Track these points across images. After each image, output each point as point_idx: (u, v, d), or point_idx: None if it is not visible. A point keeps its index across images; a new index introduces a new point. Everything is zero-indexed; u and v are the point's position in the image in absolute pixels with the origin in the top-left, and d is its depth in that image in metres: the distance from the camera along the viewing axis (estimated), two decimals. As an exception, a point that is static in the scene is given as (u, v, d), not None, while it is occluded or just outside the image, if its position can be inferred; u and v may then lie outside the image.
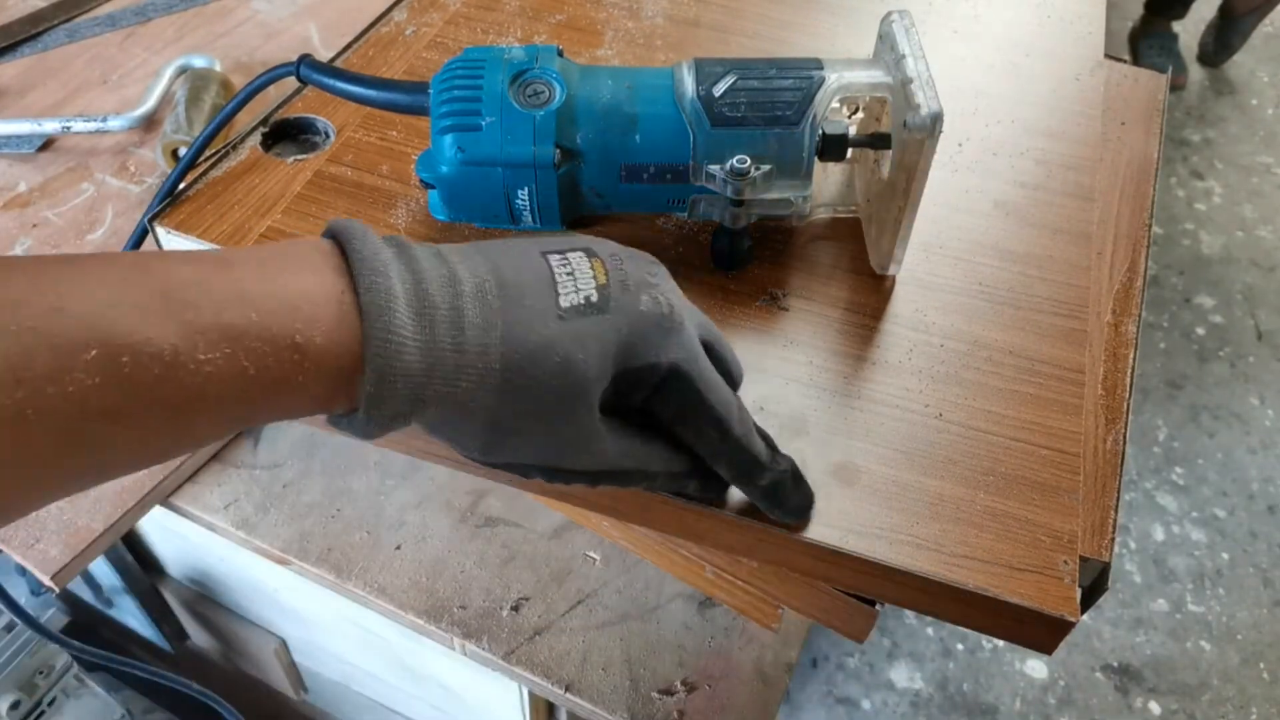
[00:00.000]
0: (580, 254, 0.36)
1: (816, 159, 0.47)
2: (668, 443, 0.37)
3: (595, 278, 0.35)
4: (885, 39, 0.47)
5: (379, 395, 0.30)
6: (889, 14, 0.46)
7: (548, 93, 0.46)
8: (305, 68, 0.51)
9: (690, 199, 0.48)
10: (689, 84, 0.46)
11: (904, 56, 0.44)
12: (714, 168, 0.46)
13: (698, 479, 0.38)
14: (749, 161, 0.46)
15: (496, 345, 0.32)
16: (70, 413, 0.25)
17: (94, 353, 0.25)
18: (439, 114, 0.46)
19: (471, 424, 0.33)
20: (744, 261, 0.50)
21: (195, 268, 0.29)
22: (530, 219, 0.49)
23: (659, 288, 0.36)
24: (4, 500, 0.26)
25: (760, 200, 0.47)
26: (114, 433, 0.26)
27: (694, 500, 0.40)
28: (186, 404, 0.27)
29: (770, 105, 0.46)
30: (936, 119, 0.42)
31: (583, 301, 0.34)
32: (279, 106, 0.60)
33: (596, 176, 0.48)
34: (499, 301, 0.33)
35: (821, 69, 0.46)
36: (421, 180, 0.48)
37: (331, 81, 0.50)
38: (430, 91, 0.47)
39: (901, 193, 0.45)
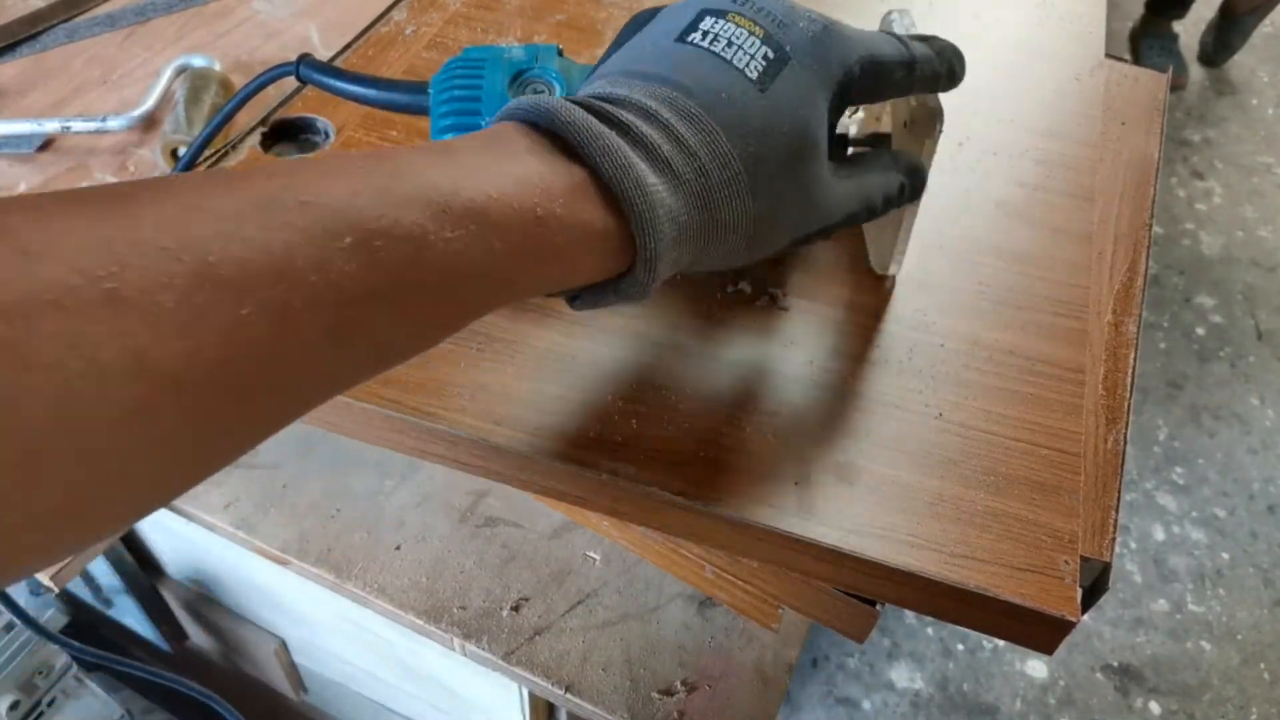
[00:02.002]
0: (712, 19, 0.35)
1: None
2: (877, 164, 0.40)
3: (752, 33, 0.35)
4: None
5: (655, 251, 0.31)
6: (889, 13, 0.46)
7: (548, 92, 0.46)
8: (305, 67, 0.51)
9: None
10: None
11: None
12: None
13: (909, 181, 0.40)
14: None
15: (728, 150, 0.33)
16: (334, 300, 0.25)
17: (348, 240, 0.25)
18: (439, 113, 0.46)
19: (734, 236, 0.34)
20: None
21: (422, 155, 0.29)
22: None
23: (794, 5, 0.37)
24: (278, 402, 0.26)
25: None
26: (378, 316, 0.26)
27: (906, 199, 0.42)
28: (442, 282, 0.27)
29: None
30: (937, 118, 0.42)
31: (764, 64, 0.34)
32: (279, 106, 0.60)
33: None
34: (701, 109, 0.33)
35: None
36: None
37: (331, 81, 0.50)
38: (430, 91, 0.47)
39: None
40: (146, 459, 0.23)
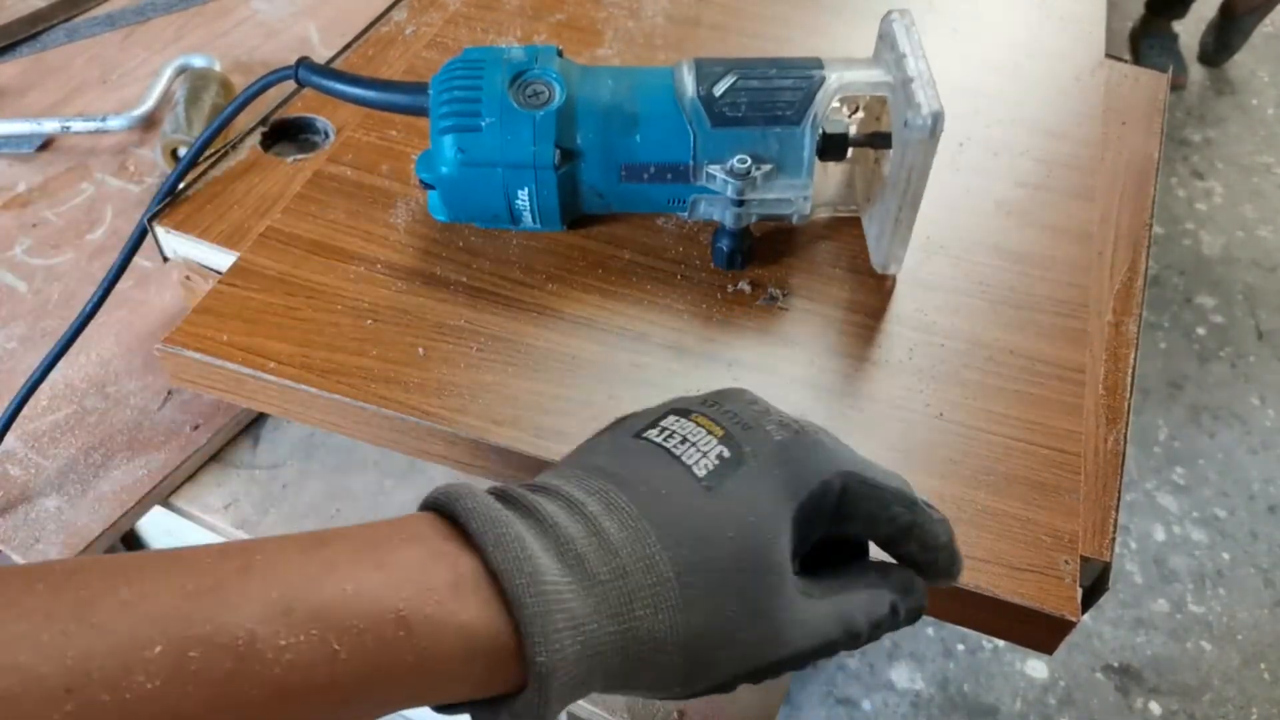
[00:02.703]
0: (672, 417, 0.32)
1: (817, 159, 0.47)
2: (860, 582, 0.33)
3: (710, 432, 0.31)
4: (885, 38, 0.46)
5: (548, 665, 0.25)
6: (889, 13, 0.46)
7: (548, 93, 0.46)
8: (304, 70, 0.51)
9: (691, 199, 0.48)
10: (689, 84, 0.46)
11: (904, 55, 0.44)
12: (714, 168, 0.46)
13: (901, 609, 0.33)
14: (749, 161, 0.45)
15: (657, 552, 0.28)
16: None
17: (157, 649, 0.22)
18: (439, 114, 0.46)
19: (663, 656, 0.28)
20: (745, 261, 0.50)
21: (290, 545, 0.25)
22: (530, 219, 0.49)
23: (768, 410, 0.33)
24: None
25: (761, 200, 0.47)
26: None
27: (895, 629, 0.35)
28: (268, 701, 0.23)
29: (771, 105, 0.46)
30: (937, 118, 0.42)
31: (716, 463, 0.30)
32: (279, 106, 0.60)
33: (597, 176, 0.48)
34: (633, 506, 0.29)
35: (822, 68, 0.46)
36: (421, 181, 0.48)
37: (330, 83, 0.50)
38: (430, 92, 0.47)
39: (902, 192, 0.45)
40: None
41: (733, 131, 0.46)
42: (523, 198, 0.47)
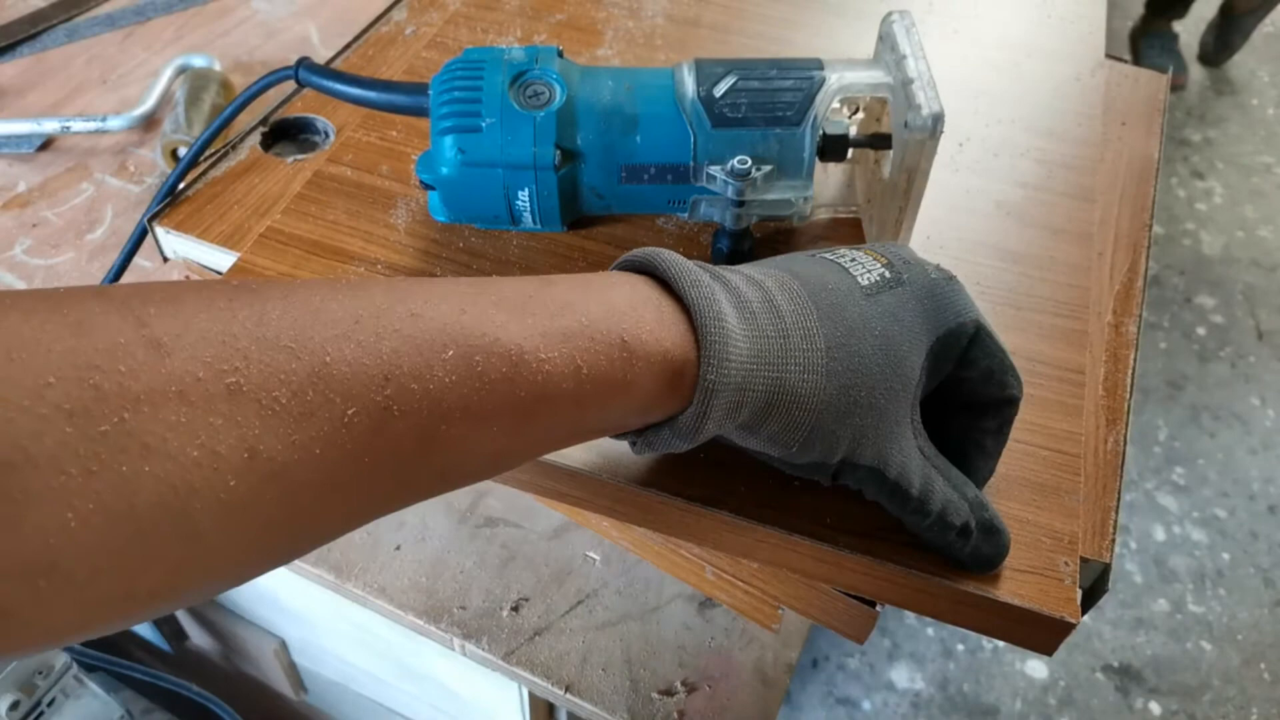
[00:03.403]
0: (844, 248, 0.38)
1: (817, 159, 0.47)
2: (959, 478, 0.37)
3: (876, 259, 0.36)
4: (886, 39, 0.46)
5: (715, 384, 0.31)
6: (889, 14, 0.46)
7: (548, 94, 0.46)
8: (304, 71, 0.50)
9: (691, 199, 0.48)
10: (689, 84, 0.46)
11: (905, 57, 0.44)
12: (715, 169, 0.46)
13: (972, 531, 0.37)
14: (750, 162, 0.45)
15: (816, 328, 0.33)
16: (430, 410, 0.26)
17: (450, 353, 0.27)
18: (439, 115, 0.46)
19: (797, 411, 0.33)
20: (745, 261, 0.50)
21: (524, 283, 0.31)
22: (530, 220, 0.49)
23: (925, 261, 0.38)
24: (366, 500, 0.27)
25: (761, 201, 0.47)
26: (465, 432, 0.27)
27: (958, 560, 0.38)
28: (531, 402, 0.28)
29: (771, 106, 0.45)
30: (938, 119, 0.42)
31: (878, 279, 0.35)
32: (278, 106, 0.60)
33: (597, 177, 0.47)
34: (805, 291, 0.34)
35: (822, 69, 0.46)
36: (421, 181, 0.48)
37: (330, 84, 0.50)
38: (430, 92, 0.47)
39: (902, 193, 0.45)
40: (242, 545, 0.24)
41: (733, 132, 0.46)
42: (523, 198, 0.47)
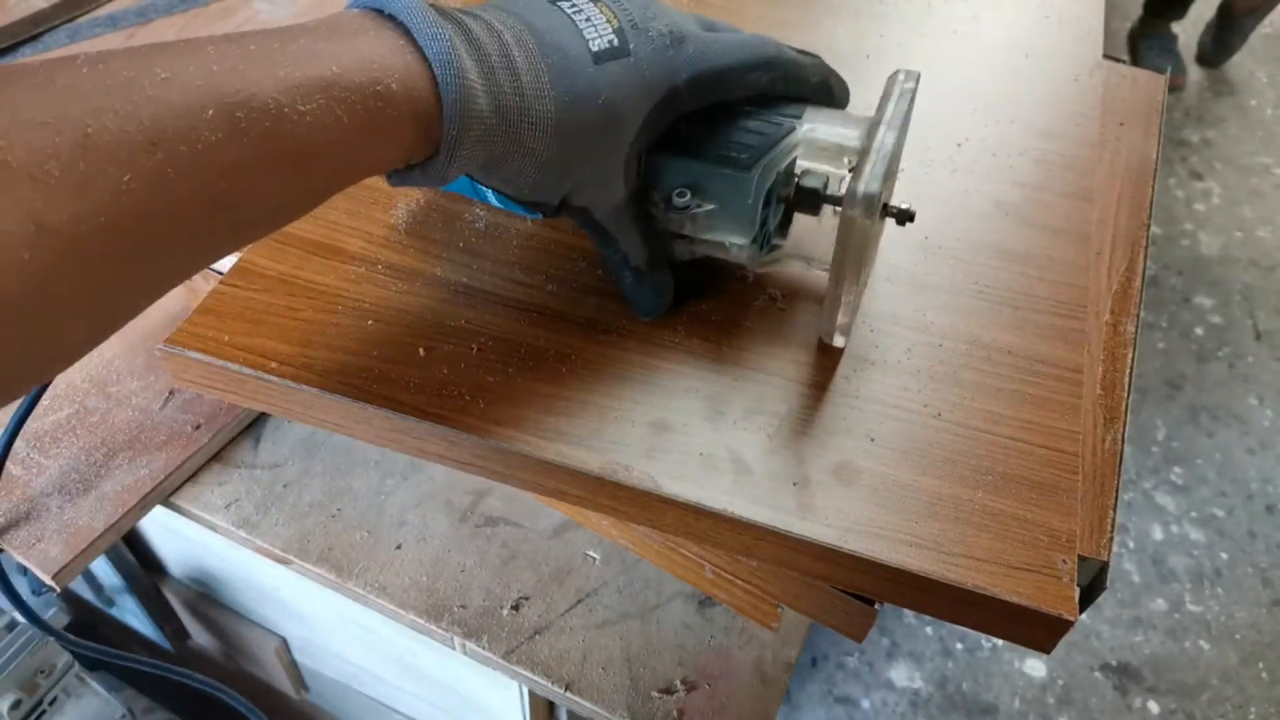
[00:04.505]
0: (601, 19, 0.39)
1: (793, 210, 0.45)
2: (647, 233, 0.44)
3: (609, 21, 0.38)
4: (883, 97, 0.44)
5: (459, 137, 0.34)
6: (896, 72, 0.44)
7: None
8: None
9: None
10: None
11: (879, 124, 0.42)
12: (656, 195, 0.44)
13: (640, 276, 0.44)
14: (688, 196, 0.43)
15: (548, 91, 0.36)
16: (205, 169, 0.27)
17: (210, 112, 0.28)
18: None
19: (526, 163, 0.37)
20: (685, 295, 0.48)
21: (270, 35, 0.32)
22: (493, 197, 0.51)
23: (659, 14, 0.40)
24: (166, 261, 0.29)
25: (702, 240, 0.45)
26: (245, 186, 0.29)
27: (627, 297, 0.46)
28: (299, 153, 0.30)
29: (727, 144, 0.43)
30: (869, 200, 0.39)
31: (608, 45, 0.38)
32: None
33: None
34: (539, 49, 0.36)
35: (798, 118, 0.44)
36: None
37: None
38: None
39: (837, 264, 0.42)
40: (50, 322, 0.26)
41: (679, 162, 0.43)
42: None
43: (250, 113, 0.29)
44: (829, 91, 0.45)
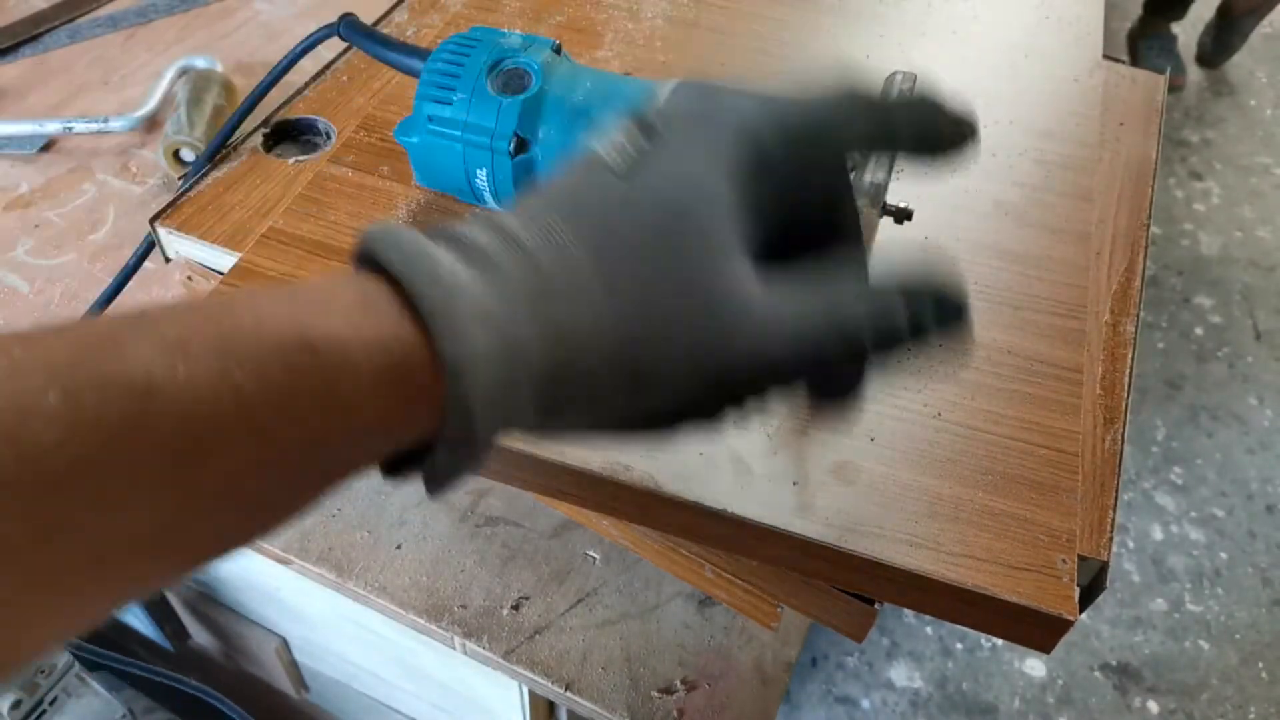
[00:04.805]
0: (608, 127, 0.29)
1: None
2: (847, 270, 0.28)
3: (628, 124, 0.28)
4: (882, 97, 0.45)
5: (460, 354, 0.22)
6: (894, 73, 0.45)
7: (523, 82, 0.47)
8: (346, 28, 0.53)
9: None
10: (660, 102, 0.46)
11: None
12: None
13: (924, 304, 0.27)
14: None
15: (570, 240, 0.25)
16: (31, 480, 0.18)
17: (51, 396, 0.19)
18: (421, 82, 0.48)
19: (594, 358, 0.24)
20: None
21: (188, 302, 0.23)
22: (491, 200, 0.51)
23: (689, 80, 0.30)
24: None
25: None
26: (92, 504, 0.19)
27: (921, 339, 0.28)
28: (171, 450, 0.20)
29: None
30: (875, 189, 0.40)
31: (625, 140, 0.27)
32: (280, 108, 0.61)
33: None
34: (548, 207, 0.26)
35: None
36: (399, 142, 0.50)
37: (370, 44, 0.52)
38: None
39: None
40: None
41: None
42: (481, 177, 0.49)
43: (106, 393, 0.19)
44: (936, 134, 0.30)
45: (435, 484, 0.24)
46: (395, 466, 0.25)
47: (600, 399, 0.25)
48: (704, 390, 0.26)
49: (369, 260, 0.24)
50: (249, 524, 0.22)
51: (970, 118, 0.29)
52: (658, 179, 0.26)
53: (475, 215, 0.26)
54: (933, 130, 0.29)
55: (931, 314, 0.27)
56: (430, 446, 0.24)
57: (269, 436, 0.21)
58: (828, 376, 0.28)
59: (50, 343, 0.20)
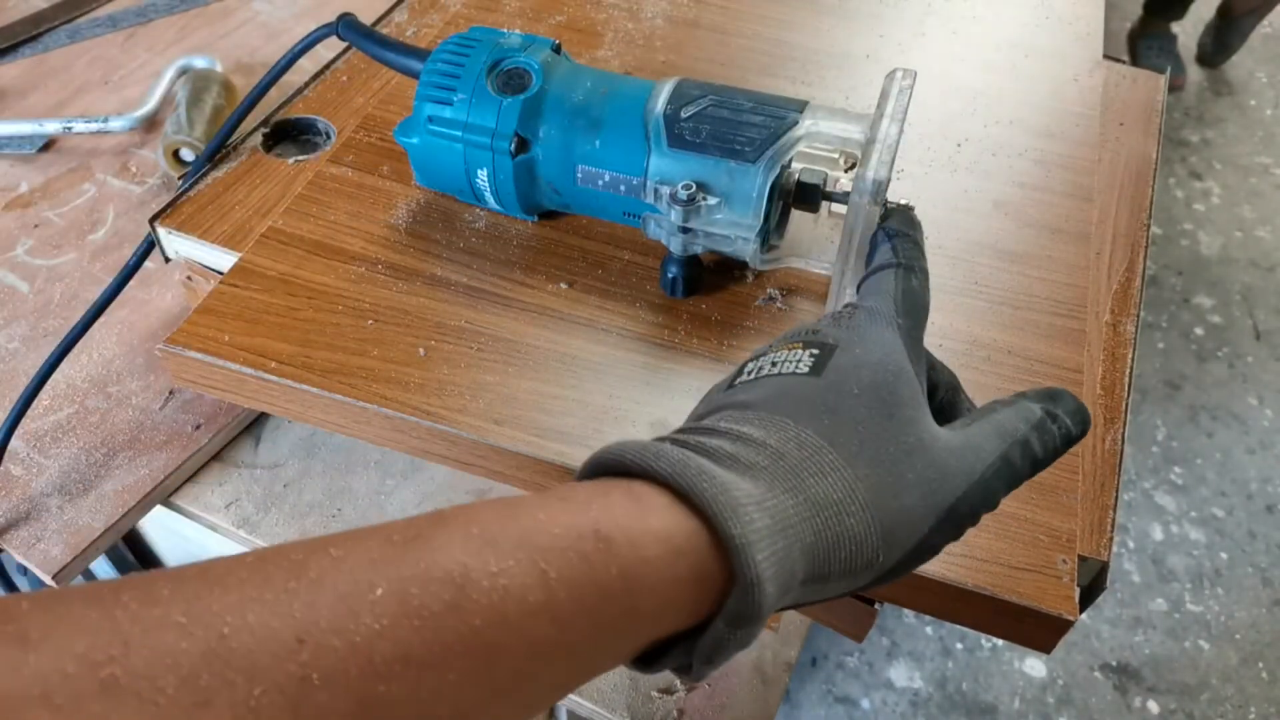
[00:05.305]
0: (749, 361, 0.34)
1: (792, 208, 0.46)
2: (995, 407, 0.33)
3: (790, 349, 0.33)
4: (882, 94, 0.44)
5: (744, 534, 0.25)
6: (894, 71, 0.45)
7: (523, 81, 0.47)
8: (345, 28, 0.52)
9: (643, 215, 0.47)
10: (660, 101, 0.46)
11: (882, 116, 0.42)
12: (663, 188, 0.45)
13: (1059, 412, 0.32)
14: (694, 189, 0.44)
15: (800, 430, 0.29)
16: (360, 670, 0.21)
17: (380, 591, 0.22)
18: (422, 83, 0.48)
19: (851, 518, 0.28)
20: (686, 290, 0.49)
21: (479, 504, 0.26)
22: (492, 201, 0.50)
23: (834, 316, 0.34)
24: None
25: (707, 233, 0.46)
26: (410, 691, 0.21)
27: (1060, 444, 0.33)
28: (491, 633, 0.22)
29: (732, 138, 0.44)
30: (878, 185, 0.40)
31: (812, 360, 0.32)
32: (280, 108, 0.61)
33: (554, 173, 0.48)
34: (760, 412, 0.30)
35: (800, 112, 0.45)
36: (399, 143, 0.50)
37: (368, 44, 0.52)
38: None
39: (846, 254, 0.43)
40: None
41: (687, 155, 0.45)
42: (482, 178, 0.49)
43: (429, 585, 0.22)
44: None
45: (706, 662, 0.27)
46: (651, 656, 0.28)
47: (860, 558, 0.28)
48: (938, 526, 0.30)
49: (617, 471, 0.28)
50: (542, 699, 0.25)
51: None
52: (853, 368, 0.31)
53: (702, 429, 0.30)
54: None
55: (1070, 419, 0.32)
56: (701, 629, 0.26)
57: (566, 622, 0.24)
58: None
59: (365, 542, 0.23)
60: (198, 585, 0.21)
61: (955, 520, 0.30)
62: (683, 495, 0.26)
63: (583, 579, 0.24)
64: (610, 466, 0.28)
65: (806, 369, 0.31)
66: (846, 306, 0.34)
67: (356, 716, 0.21)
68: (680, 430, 0.31)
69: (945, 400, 0.35)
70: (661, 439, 0.29)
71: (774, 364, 0.32)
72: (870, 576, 0.29)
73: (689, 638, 0.27)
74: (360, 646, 0.21)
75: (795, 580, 0.27)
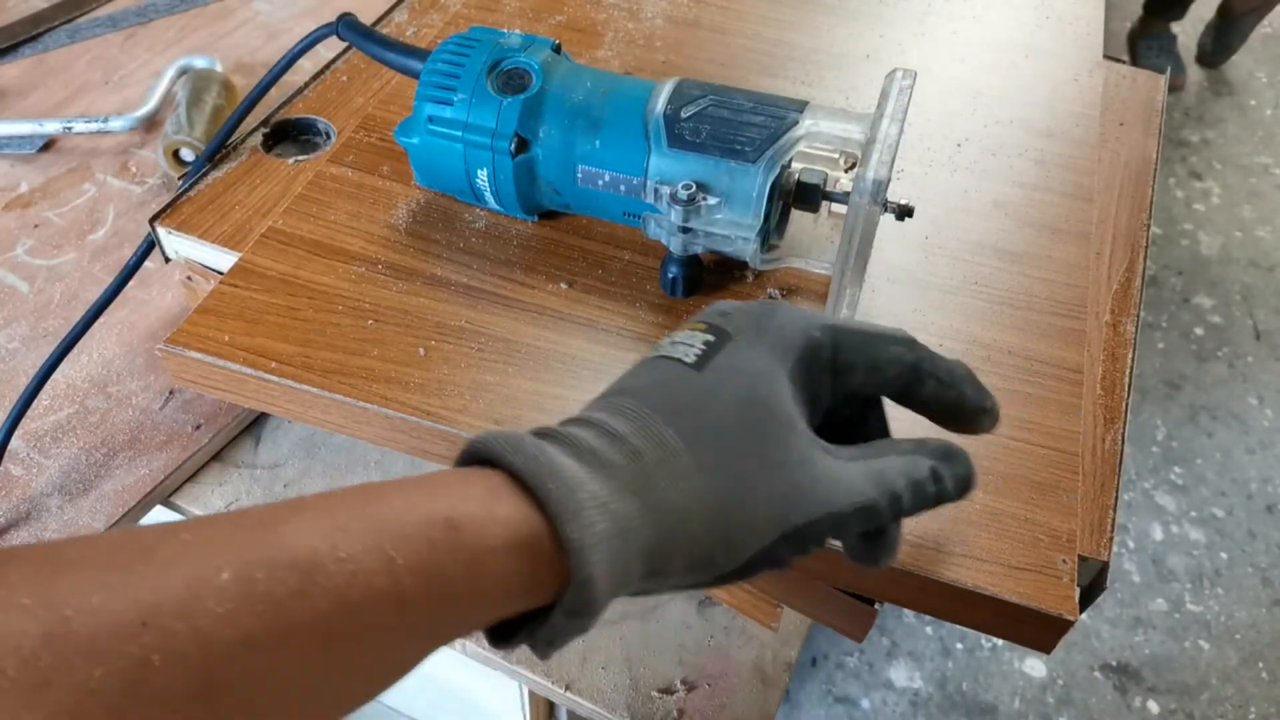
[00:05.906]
0: (669, 335, 0.35)
1: (792, 208, 0.47)
2: (892, 448, 0.33)
3: (694, 330, 0.34)
4: (882, 94, 0.45)
5: (581, 539, 0.26)
6: (894, 71, 0.45)
7: (523, 81, 0.47)
8: (344, 28, 0.52)
9: (643, 215, 0.47)
10: (661, 100, 0.46)
11: (882, 116, 0.43)
12: (663, 188, 0.45)
13: (945, 474, 0.33)
14: (694, 188, 0.44)
15: (663, 429, 0.30)
16: (201, 652, 0.21)
17: (225, 575, 0.22)
18: (422, 83, 0.48)
19: (692, 525, 0.29)
20: (686, 290, 0.49)
21: (329, 492, 0.26)
22: (492, 201, 0.50)
23: (746, 303, 0.35)
24: None
25: (707, 233, 0.46)
26: (252, 671, 0.22)
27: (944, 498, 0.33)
28: (331, 618, 0.23)
29: (732, 138, 0.44)
30: (878, 185, 0.40)
31: (702, 348, 0.33)
32: (280, 108, 0.61)
33: (554, 172, 0.48)
34: (637, 402, 0.31)
35: (800, 112, 0.45)
36: (400, 143, 0.50)
37: (368, 44, 0.52)
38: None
39: (846, 254, 0.43)
40: None
41: (687, 155, 0.45)
42: (482, 178, 0.49)
43: (274, 570, 0.22)
44: (964, 399, 0.34)
45: (547, 645, 0.28)
46: (502, 631, 0.29)
47: (699, 560, 0.29)
48: (783, 542, 0.30)
49: (486, 460, 0.28)
50: (384, 678, 0.26)
51: (993, 407, 0.35)
52: (731, 371, 0.32)
53: (580, 419, 0.31)
54: (955, 402, 0.34)
55: (952, 483, 0.33)
56: (544, 612, 0.28)
57: (413, 603, 0.24)
58: (868, 534, 0.33)
59: (217, 526, 0.23)
60: (48, 567, 0.21)
61: (801, 540, 0.31)
62: (529, 488, 0.27)
63: (428, 565, 0.25)
64: (479, 455, 0.29)
65: (692, 359, 0.32)
66: (767, 302, 0.35)
67: (198, 697, 0.21)
68: (566, 419, 0.32)
69: (856, 416, 0.36)
70: (539, 429, 0.30)
71: (673, 343, 0.33)
72: (712, 575, 0.30)
73: (535, 618, 0.28)
74: (203, 629, 0.21)
75: (633, 576, 0.28)
